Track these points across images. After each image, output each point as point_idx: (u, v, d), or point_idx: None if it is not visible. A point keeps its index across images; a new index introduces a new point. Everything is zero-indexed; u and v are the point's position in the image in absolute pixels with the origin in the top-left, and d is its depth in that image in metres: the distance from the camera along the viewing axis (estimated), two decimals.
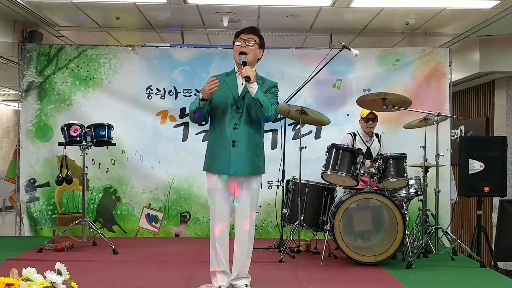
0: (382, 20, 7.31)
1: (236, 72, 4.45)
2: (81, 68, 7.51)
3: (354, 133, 6.81)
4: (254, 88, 4.24)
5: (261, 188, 7.05)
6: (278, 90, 4.52)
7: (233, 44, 4.45)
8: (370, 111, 6.58)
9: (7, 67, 8.27)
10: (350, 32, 7.93)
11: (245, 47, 4.36)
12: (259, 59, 4.54)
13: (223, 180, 4.35)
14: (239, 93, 4.37)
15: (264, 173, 4.51)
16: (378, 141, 6.87)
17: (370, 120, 6.68)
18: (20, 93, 7.55)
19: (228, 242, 4.48)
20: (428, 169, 6.28)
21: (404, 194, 6.31)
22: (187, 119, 7.30)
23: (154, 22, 7.64)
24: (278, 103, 4.51)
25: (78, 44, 7.74)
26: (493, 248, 6.47)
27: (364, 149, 6.54)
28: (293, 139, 7.46)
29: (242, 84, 4.35)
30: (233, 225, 4.48)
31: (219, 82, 4.29)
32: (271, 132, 7.51)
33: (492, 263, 6.36)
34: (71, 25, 7.89)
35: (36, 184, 7.50)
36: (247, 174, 4.34)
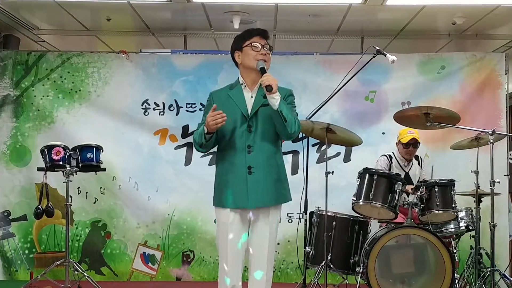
0: (424, 20, 7.32)
1: (242, 84, 4.36)
2: (65, 79, 7.58)
3: (390, 156, 6.78)
4: (276, 99, 4.13)
5: (280, 222, 7.10)
6: (294, 99, 4.46)
7: (242, 46, 4.33)
8: (412, 136, 6.58)
9: None
10: (385, 35, 7.95)
11: (265, 55, 4.27)
12: None
13: (237, 215, 4.29)
14: (250, 109, 4.29)
15: (291, 200, 4.46)
16: (419, 164, 6.85)
17: (411, 145, 6.66)
18: None
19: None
20: (482, 199, 6.22)
21: (453, 229, 6.26)
22: (190, 139, 7.29)
23: (152, 24, 7.69)
24: (297, 114, 4.47)
25: (61, 51, 7.81)
26: None
27: (402, 174, 6.49)
28: (317, 162, 7.46)
29: (252, 97, 4.28)
30: (246, 267, 4.43)
31: (222, 98, 4.29)
32: (291, 155, 7.51)
33: None
34: (53, 28, 7.96)
35: (10, 218, 7.53)
36: (271, 204, 4.29)
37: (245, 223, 4.31)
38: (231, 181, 4.28)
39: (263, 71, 4.18)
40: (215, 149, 4.50)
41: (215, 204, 4.38)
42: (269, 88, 4.09)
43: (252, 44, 4.27)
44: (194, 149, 7.38)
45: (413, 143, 6.67)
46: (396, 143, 6.82)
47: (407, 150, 6.72)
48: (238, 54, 4.34)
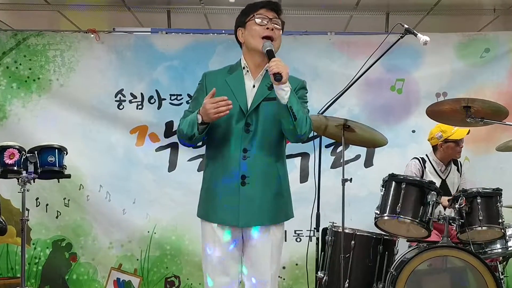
0: None
1: (244, 68, 4.30)
2: (20, 64, 7.59)
3: (423, 159, 6.77)
4: (286, 91, 4.05)
5: (285, 240, 7.11)
6: (307, 92, 4.43)
7: (245, 21, 4.29)
8: (468, 129, 6.56)
9: None
10: (416, 10, 7.96)
11: (272, 30, 4.22)
12: None
13: (227, 233, 4.27)
14: (250, 102, 4.24)
15: (293, 217, 4.42)
16: (458, 170, 6.84)
17: (461, 141, 6.68)
18: None
19: None
20: None
21: (499, 250, 6.26)
22: (175, 138, 7.28)
23: None
24: (308, 111, 4.43)
25: (16, 30, 7.81)
26: None
27: (437, 182, 6.50)
28: (332, 167, 7.51)
29: (254, 86, 4.23)
30: None
31: (218, 84, 4.20)
32: (300, 158, 7.53)
33: None
34: (5, 2, 7.95)
35: None
36: (267, 223, 4.26)
37: (238, 242, 4.29)
38: (220, 191, 4.24)
39: (270, 54, 4.09)
40: (204, 149, 4.47)
41: (200, 215, 4.36)
42: (277, 77, 3.98)
43: (256, 17, 4.22)
44: (179, 150, 7.46)
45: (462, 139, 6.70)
46: (440, 144, 6.75)
47: (458, 148, 6.72)
48: (241, 31, 4.31)
